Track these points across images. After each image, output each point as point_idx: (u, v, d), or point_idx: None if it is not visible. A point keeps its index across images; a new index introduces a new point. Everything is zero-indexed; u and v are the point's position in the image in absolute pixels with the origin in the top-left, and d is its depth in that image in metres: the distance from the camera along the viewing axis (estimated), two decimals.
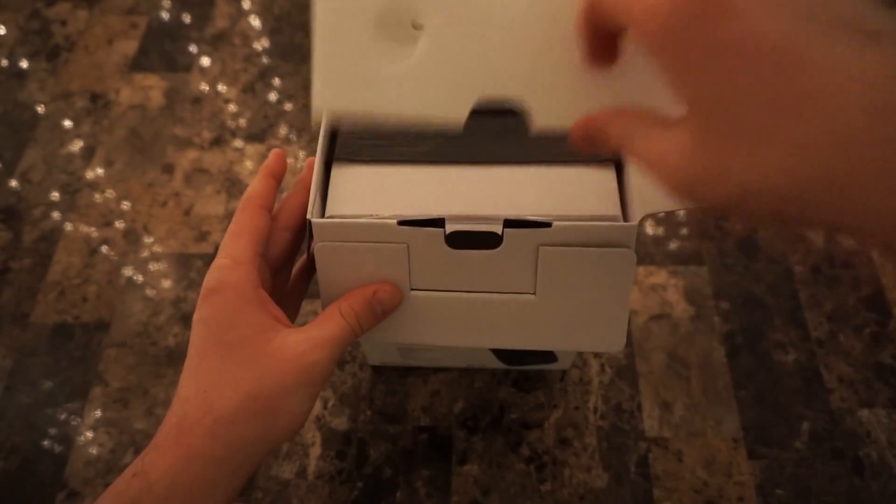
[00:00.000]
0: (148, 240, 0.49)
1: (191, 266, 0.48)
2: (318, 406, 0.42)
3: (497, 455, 0.40)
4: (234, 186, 0.52)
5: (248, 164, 0.53)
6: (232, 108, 0.56)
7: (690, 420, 0.41)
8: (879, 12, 0.16)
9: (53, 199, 0.52)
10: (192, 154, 0.54)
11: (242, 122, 0.55)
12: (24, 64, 0.60)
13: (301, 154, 0.54)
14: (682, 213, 0.50)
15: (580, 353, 0.43)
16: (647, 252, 0.48)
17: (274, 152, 0.32)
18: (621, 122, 0.21)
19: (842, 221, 0.16)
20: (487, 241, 0.28)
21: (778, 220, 0.17)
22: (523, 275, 0.29)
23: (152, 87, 0.58)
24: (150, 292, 0.47)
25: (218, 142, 0.54)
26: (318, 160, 0.30)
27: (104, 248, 0.49)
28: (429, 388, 0.43)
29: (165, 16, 0.63)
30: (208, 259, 0.48)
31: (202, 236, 0.49)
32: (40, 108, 0.57)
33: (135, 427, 0.42)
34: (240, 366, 0.26)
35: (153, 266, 0.48)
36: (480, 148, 0.31)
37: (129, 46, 0.60)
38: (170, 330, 0.45)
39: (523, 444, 0.41)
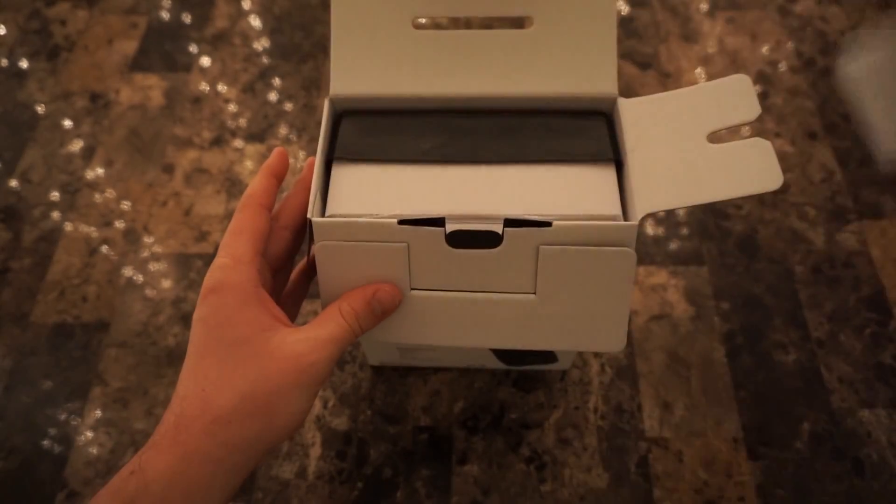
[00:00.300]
0: (148, 240, 0.49)
1: (191, 266, 0.48)
2: (318, 406, 0.42)
3: (497, 455, 0.40)
4: (234, 186, 0.52)
5: (249, 164, 0.53)
6: (232, 108, 0.56)
7: (690, 420, 0.41)
8: None
9: (53, 199, 0.52)
10: (192, 154, 0.54)
11: (242, 122, 0.55)
12: (24, 64, 0.60)
13: (301, 154, 0.54)
14: (681, 212, 0.50)
15: (580, 353, 0.43)
16: (647, 252, 0.48)
17: (276, 151, 0.32)
18: None
19: None
20: (487, 240, 0.28)
21: None
22: (523, 274, 0.29)
23: (152, 87, 0.58)
24: (150, 292, 0.47)
25: (218, 142, 0.54)
26: (318, 160, 0.30)
27: (104, 248, 0.49)
28: (429, 388, 0.43)
29: (165, 16, 0.63)
30: (208, 259, 0.48)
31: (202, 236, 0.49)
32: (40, 108, 0.57)
33: (135, 427, 0.42)
34: (238, 365, 0.26)
35: (153, 266, 0.48)
36: (480, 148, 0.31)
37: (129, 46, 0.60)
38: (170, 330, 0.45)
39: (523, 444, 0.41)
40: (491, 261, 0.29)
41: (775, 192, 0.50)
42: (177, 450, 0.24)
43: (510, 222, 0.28)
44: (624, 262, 0.28)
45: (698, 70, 0.57)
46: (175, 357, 0.44)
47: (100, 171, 0.53)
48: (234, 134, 0.55)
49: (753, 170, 0.28)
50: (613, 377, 0.43)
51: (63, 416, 0.42)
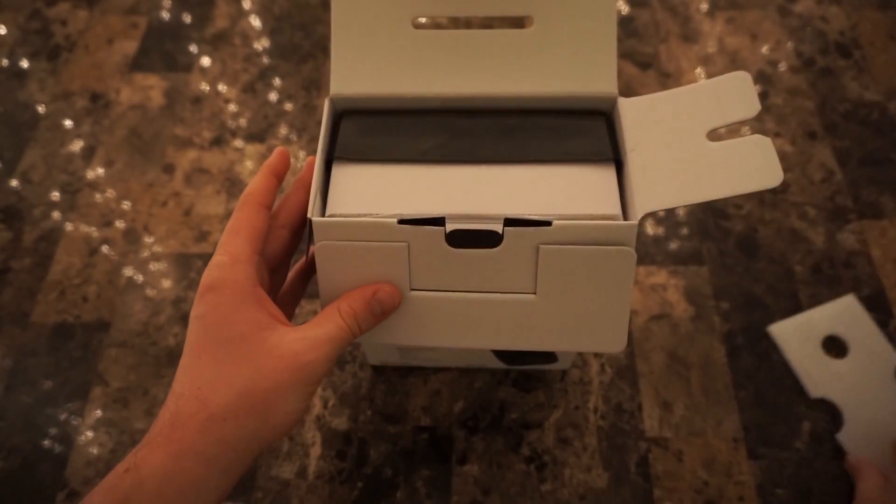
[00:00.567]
0: (148, 240, 0.49)
1: (191, 266, 0.48)
2: (318, 406, 0.42)
3: (497, 455, 0.40)
4: (234, 186, 0.52)
5: (249, 163, 0.53)
6: (232, 107, 0.56)
7: (690, 420, 0.41)
8: None
9: (54, 198, 0.52)
10: (192, 154, 0.54)
11: (242, 121, 0.55)
12: (24, 64, 0.60)
13: (301, 154, 0.54)
14: (681, 212, 0.50)
15: (580, 353, 0.43)
16: (647, 252, 0.48)
17: (278, 151, 0.32)
18: None
19: None
20: (488, 239, 0.28)
21: None
22: (523, 274, 0.29)
23: (152, 86, 0.58)
24: (150, 292, 0.47)
25: (218, 142, 0.54)
26: (318, 159, 0.30)
27: (104, 248, 0.49)
28: (429, 388, 0.43)
29: (165, 16, 0.63)
30: (208, 259, 0.48)
31: (202, 236, 0.49)
32: (40, 108, 0.57)
33: (135, 427, 0.42)
34: (235, 363, 0.26)
35: (153, 266, 0.48)
36: (480, 147, 0.31)
37: (130, 46, 0.60)
38: (170, 330, 0.45)
39: (523, 444, 0.41)
40: (491, 260, 0.29)
41: (775, 192, 0.50)
42: (171, 447, 0.24)
43: (510, 222, 0.28)
44: (624, 261, 0.28)
45: (698, 70, 0.57)
46: (175, 357, 0.44)
47: (100, 171, 0.53)
48: (234, 134, 0.55)
49: (753, 167, 0.28)
50: (613, 377, 0.43)
51: (63, 416, 0.42)
